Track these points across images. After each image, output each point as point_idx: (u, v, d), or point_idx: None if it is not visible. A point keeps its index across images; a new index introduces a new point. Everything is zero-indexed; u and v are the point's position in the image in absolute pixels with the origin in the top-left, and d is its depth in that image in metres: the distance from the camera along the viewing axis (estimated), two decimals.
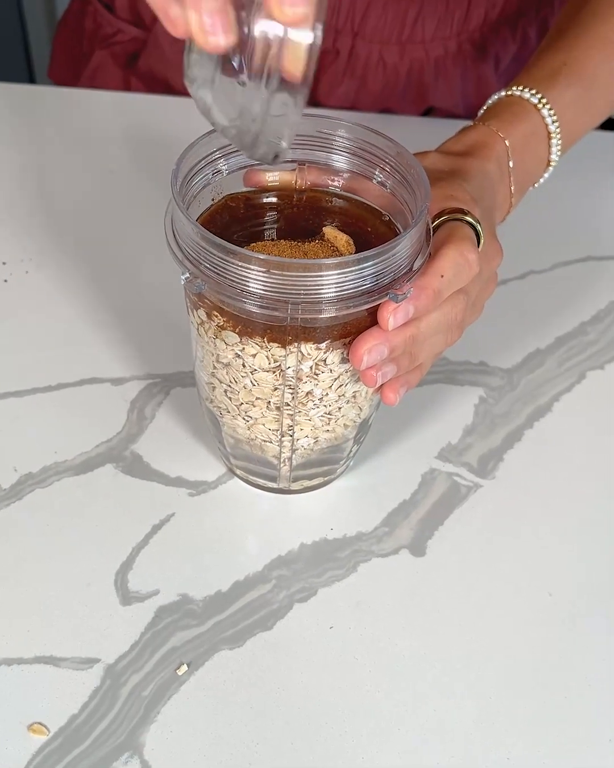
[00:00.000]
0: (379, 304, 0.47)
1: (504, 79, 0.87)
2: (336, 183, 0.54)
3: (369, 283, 0.46)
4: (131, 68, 0.90)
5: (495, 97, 0.62)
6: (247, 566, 0.56)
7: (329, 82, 0.84)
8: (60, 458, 0.60)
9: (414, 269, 0.48)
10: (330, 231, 0.51)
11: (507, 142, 0.58)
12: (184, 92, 0.80)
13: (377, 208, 0.53)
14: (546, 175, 0.63)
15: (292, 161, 0.53)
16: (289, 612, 0.54)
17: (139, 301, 0.68)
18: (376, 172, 0.52)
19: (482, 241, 0.53)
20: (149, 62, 0.87)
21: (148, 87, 0.89)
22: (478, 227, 0.52)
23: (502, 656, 0.53)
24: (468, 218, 0.52)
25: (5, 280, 0.69)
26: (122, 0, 0.88)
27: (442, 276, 0.49)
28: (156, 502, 0.58)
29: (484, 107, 0.62)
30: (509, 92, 0.61)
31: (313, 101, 0.85)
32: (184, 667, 0.51)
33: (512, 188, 0.59)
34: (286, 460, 0.56)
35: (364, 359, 0.48)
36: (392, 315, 0.47)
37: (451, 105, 0.86)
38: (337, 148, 0.53)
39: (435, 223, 0.51)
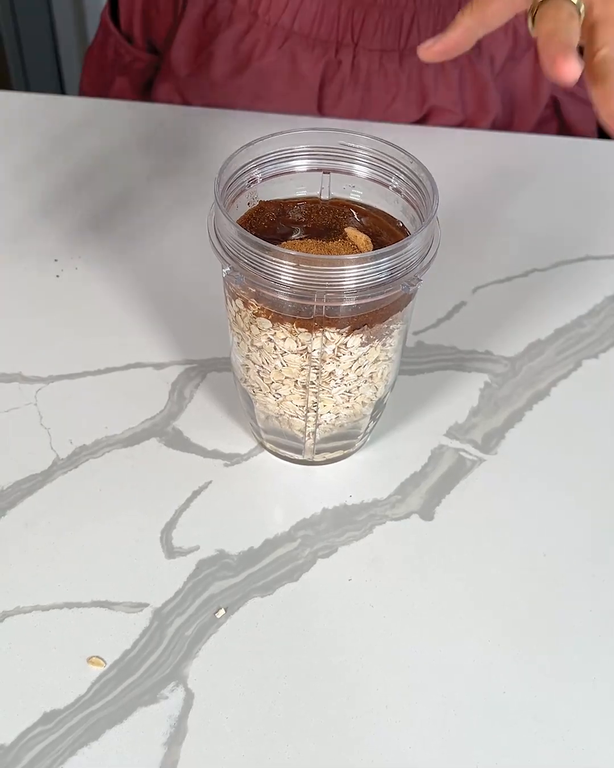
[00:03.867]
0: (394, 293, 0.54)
1: (501, 77, 0.91)
2: (357, 192, 0.60)
3: (385, 276, 0.53)
4: (146, 94, 0.97)
5: None
6: (275, 527, 0.62)
7: (334, 93, 0.88)
8: (110, 432, 0.66)
9: (424, 264, 0.55)
10: (351, 231, 0.58)
11: None
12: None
13: (392, 214, 0.59)
14: None
15: (319, 170, 0.60)
16: (312, 566, 0.60)
17: (177, 295, 0.75)
18: (392, 180, 0.59)
19: None
20: (164, 86, 0.94)
21: None
22: None
23: (500, 605, 0.59)
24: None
25: (57, 275, 0.76)
26: (139, 31, 0.96)
27: None
28: (195, 472, 0.64)
29: None
30: None
31: (320, 112, 0.89)
32: (222, 611, 0.58)
33: None
34: (311, 435, 0.62)
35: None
36: None
37: (451, 104, 0.89)
38: (358, 158, 0.59)
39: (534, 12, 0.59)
